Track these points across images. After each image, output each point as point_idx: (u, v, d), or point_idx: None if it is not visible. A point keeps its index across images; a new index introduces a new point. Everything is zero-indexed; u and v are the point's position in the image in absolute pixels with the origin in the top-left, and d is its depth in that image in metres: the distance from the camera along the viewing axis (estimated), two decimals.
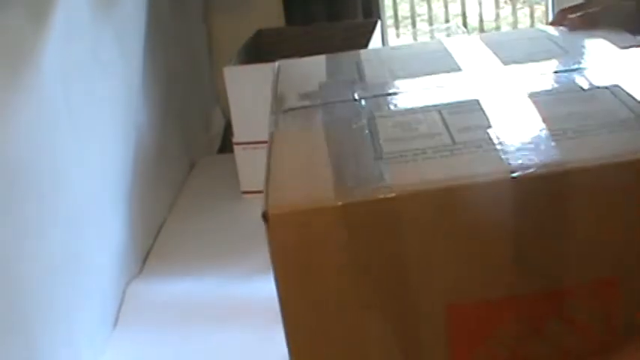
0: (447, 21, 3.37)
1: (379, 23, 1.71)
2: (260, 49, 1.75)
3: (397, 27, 3.38)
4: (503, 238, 0.61)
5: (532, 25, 3.26)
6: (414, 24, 3.40)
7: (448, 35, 3.16)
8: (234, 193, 1.56)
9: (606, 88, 0.72)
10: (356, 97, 0.77)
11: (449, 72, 0.81)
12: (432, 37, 3.27)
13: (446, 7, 3.41)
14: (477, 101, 0.72)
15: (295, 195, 0.61)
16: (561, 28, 0.93)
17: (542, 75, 0.78)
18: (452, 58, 0.85)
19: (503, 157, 0.61)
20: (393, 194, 0.59)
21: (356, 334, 0.63)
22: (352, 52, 0.94)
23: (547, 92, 0.73)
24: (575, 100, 0.70)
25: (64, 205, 1.08)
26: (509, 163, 0.60)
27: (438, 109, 0.71)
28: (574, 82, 0.74)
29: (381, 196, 0.59)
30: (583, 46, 0.85)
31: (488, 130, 0.66)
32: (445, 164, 0.62)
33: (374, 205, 0.59)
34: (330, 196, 0.59)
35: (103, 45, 1.28)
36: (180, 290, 1.28)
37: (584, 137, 0.63)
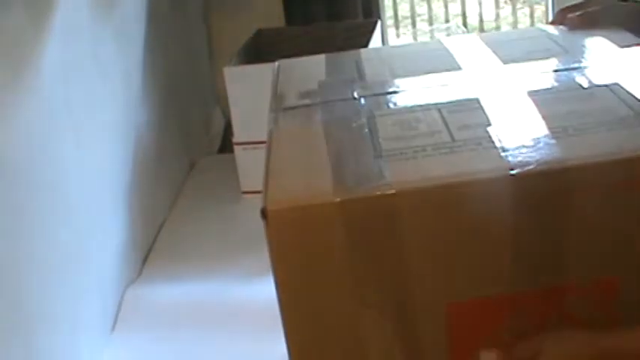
0: (447, 21, 3.38)
1: (379, 23, 1.71)
2: (260, 49, 1.76)
3: (397, 27, 3.38)
4: (503, 235, 0.61)
5: (532, 24, 3.26)
6: (414, 24, 3.40)
7: (448, 35, 3.16)
8: (234, 193, 1.56)
9: (606, 86, 0.72)
10: (355, 95, 0.77)
11: (449, 71, 0.81)
12: (432, 37, 3.28)
13: (446, 7, 3.41)
14: (477, 100, 0.72)
15: (294, 192, 0.61)
16: (561, 27, 0.93)
17: (542, 73, 0.78)
18: (452, 56, 0.86)
19: (502, 154, 0.61)
20: (393, 191, 0.59)
21: (355, 333, 0.63)
22: (352, 52, 0.94)
23: (547, 91, 0.73)
24: (575, 99, 0.70)
25: (63, 204, 1.08)
26: (509, 161, 0.60)
27: (438, 107, 0.71)
28: (574, 80, 0.74)
29: (381, 193, 0.59)
30: (583, 45, 0.85)
31: (488, 128, 0.66)
32: (445, 161, 0.62)
33: (373, 201, 0.59)
34: (329, 192, 0.59)
35: (103, 45, 1.29)
36: (180, 292, 1.28)
37: (583, 135, 0.63)
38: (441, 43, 0.91)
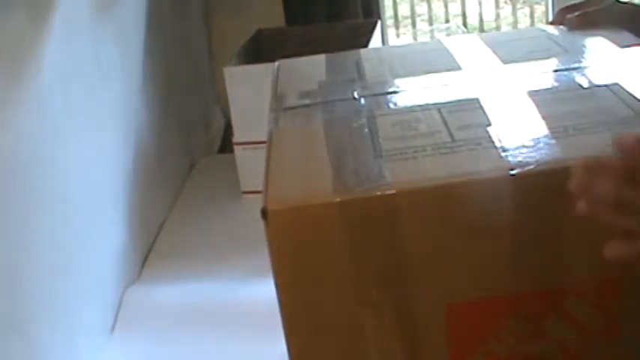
0: (447, 21, 3.37)
1: (379, 23, 1.71)
2: (260, 49, 1.75)
3: (397, 27, 3.38)
4: (503, 235, 0.61)
5: (532, 24, 3.26)
6: (414, 24, 3.40)
7: (448, 35, 3.16)
8: (234, 193, 1.56)
9: (606, 86, 0.72)
10: (356, 95, 0.77)
11: (449, 71, 0.81)
12: (432, 37, 3.28)
13: (446, 7, 3.41)
14: (477, 100, 0.72)
15: (294, 191, 0.61)
16: (561, 27, 0.93)
17: (542, 73, 0.78)
18: (452, 57, 0.86)
19: (502, 154, 0.62)
20: (393, 191, 0.59)
21: (355, 333, 0.63)
22: (352, 52, 0.94)
23: (547, 91, 0.73)
24: (575, 99, 0.70)
25: (63, 204, 1.08)
26: (509, 161, 0.61)
27: (438, 107, 0.71)
28: (574, 80, 0.74)
29: (381, 193, 0.59)
30: (583, 45, 0.85)
31: (488, 128, 0.66)
32: (445, 161, 0.62)
33: (373, 201, 0.59)
34: (329, 192, 0.59)
35: (103, 45, 1.28)
36: (180, 292, 1.28)
37: (583, 135, 0.63)
38: (441, 43, 0.91)
